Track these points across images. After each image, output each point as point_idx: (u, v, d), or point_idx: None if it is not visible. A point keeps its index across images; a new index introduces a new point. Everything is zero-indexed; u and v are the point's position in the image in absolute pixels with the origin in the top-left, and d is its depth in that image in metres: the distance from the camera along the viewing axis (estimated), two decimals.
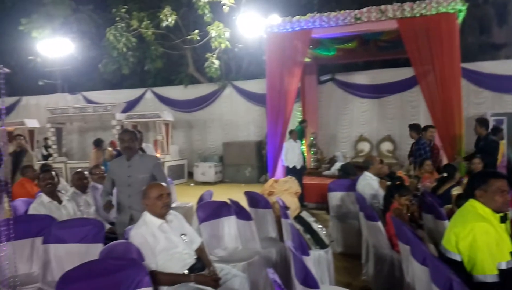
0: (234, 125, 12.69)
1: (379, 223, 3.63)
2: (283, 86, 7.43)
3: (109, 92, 13.99)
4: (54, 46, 12.73)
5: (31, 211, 3.95)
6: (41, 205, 3.89)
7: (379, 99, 10.99)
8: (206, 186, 9.88)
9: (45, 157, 11.90)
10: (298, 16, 7.27)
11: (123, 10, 12.10)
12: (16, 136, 6.92)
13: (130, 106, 13.00)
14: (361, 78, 11.16)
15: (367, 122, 11.15)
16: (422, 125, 6.57)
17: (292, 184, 5.33)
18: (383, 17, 6.70)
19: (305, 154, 9.28)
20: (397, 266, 3.36)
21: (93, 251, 3.07)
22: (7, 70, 1.85)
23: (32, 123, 12.27)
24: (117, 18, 11.96)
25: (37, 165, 6.80)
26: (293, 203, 4.85)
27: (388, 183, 4.65)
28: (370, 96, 11.04)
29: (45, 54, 13.07)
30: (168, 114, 11.82)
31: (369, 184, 4.71)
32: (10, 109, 14.34)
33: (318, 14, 7.17)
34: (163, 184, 2.89)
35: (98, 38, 13.63)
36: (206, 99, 12.92)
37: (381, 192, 4.53)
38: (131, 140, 3.60)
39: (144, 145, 7.13)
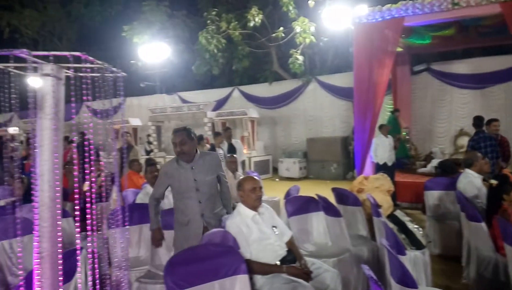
0: (318, 121, 12.60)
1: (483, 224, 3.38)
2: (372, 78, 7.12)
3: (201, 92, 14.93)
4: (152, 50, 13.91)
5: (138, 201, 4.40)
6: (147, 195, 4.25)
7: (482, 90, 10.00)
8: (291, 182, 9.97)
9: (148, 152, 13.12)
10: (389, 5, 6.92)
11: (213, 13, 12.72)
12: (123, 134, 7.75)
13: (219, 104, 13.70)
14: (461, 67, 10.26)
15: (468, 115, 10.11)
16: None
17: (384, 182, 5.13)
18: (484, 1, 6.05)
19: (407, 145, 8.89)
20: (502, 270, 3.16)
21: None
22: (124, 74, 2.08)
23: (135, 121, 13.65)
24: (208, 21, 12.61)
25: (142, 159, 7.55)
26: (385, 201, 4.69)
27: (492, 181, 4.23)
28: (471, 87, 10.10)
29: (145, 58, 14.35)
30: (253, 111, 12.20)
31: (472, 182, 4.32)
32: (116, 108, 16.09)
33: (410, 1, 6.75)
34: (256, 177, 3.02)
35: (191, 42, 14.58)
36: (289, 96, 13.03)
37: (485, 191, 4.15)
38: (183, 142, 2.88)
39: (233, 141, 7.47)
